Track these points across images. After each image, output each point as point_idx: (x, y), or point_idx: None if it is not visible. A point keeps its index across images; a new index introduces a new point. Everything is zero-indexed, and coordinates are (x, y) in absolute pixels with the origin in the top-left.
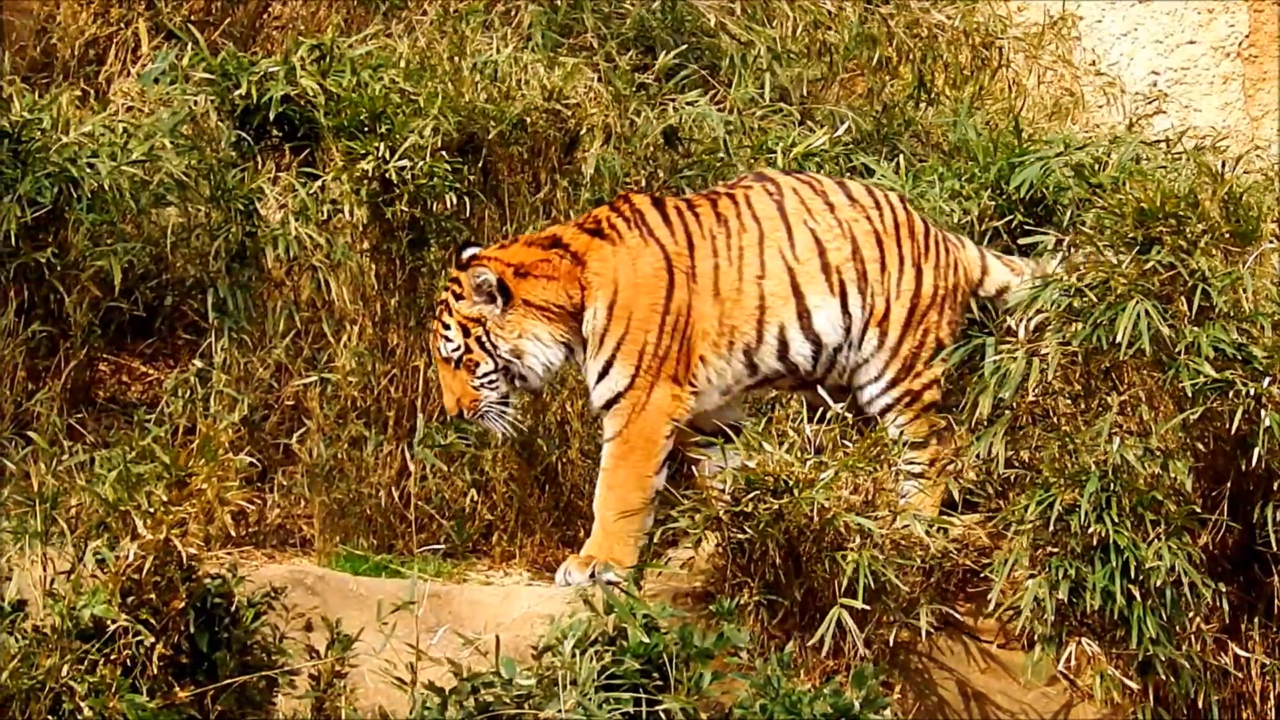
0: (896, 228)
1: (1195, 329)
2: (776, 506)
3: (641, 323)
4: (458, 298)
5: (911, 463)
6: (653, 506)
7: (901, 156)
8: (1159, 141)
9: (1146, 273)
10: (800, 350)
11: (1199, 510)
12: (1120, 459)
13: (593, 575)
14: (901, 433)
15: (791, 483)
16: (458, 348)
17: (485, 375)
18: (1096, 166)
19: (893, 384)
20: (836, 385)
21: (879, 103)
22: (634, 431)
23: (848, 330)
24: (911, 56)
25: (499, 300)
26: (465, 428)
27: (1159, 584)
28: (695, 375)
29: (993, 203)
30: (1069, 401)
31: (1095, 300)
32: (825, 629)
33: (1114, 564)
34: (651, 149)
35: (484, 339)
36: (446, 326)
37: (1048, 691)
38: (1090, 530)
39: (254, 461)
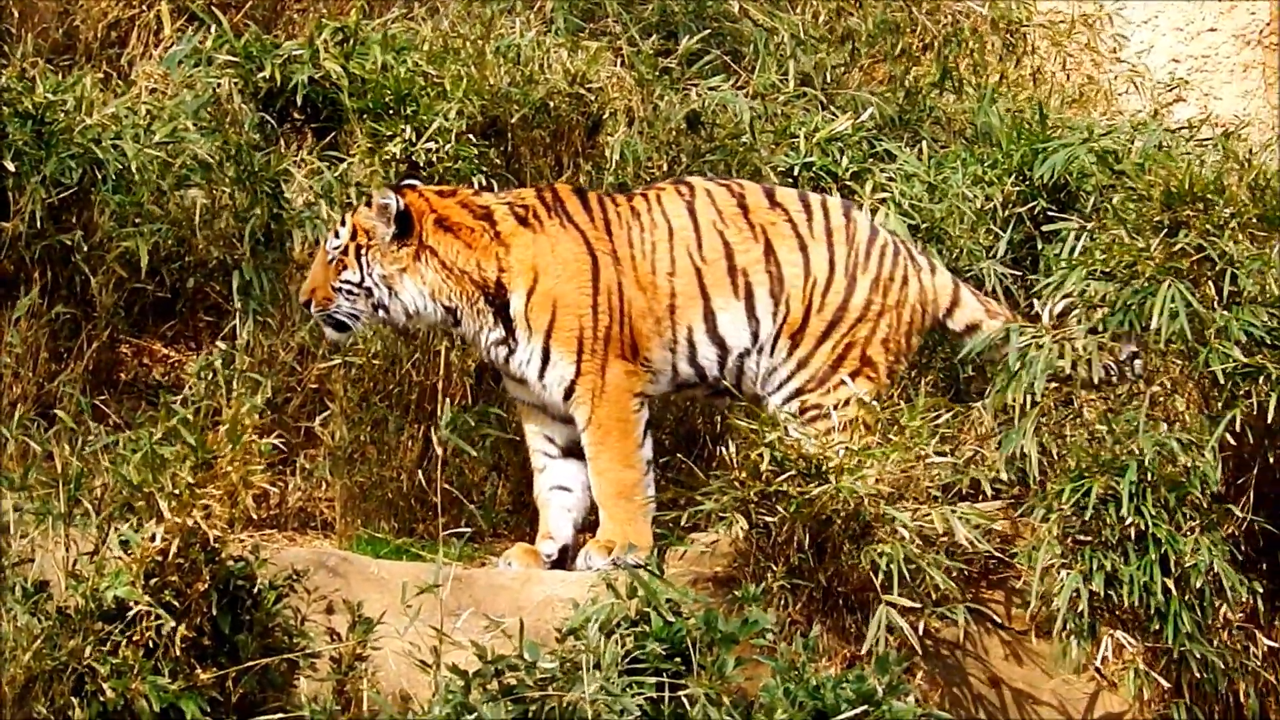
0: (828, 234)
1: (1225, 313)
2: (810, 492)
3: (570, 308)
4: (367, 205)
5: None
6: (650, 480)
7: (924, 143)
8: (1182, 129)
9: (1174, 255)
10: (706, 354)
11: (1228, 501)
12: (1156, 448)
13: (614, 559)
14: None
15: (825, 469)
16: (339, 246)
17: (347, 283)
18: (1120, 153)
19: (796, 394)
20: (754, 396)
21: (901, 89)
22: (602, 415)
23: (755, 335)
24: (934, 44)
25: (393, 229)
26: (308, 315)
27: (1199, 584)
28: (649, 354)
29: (1016, 189)
30: (1094, 388)
31: (1121, 284)
32: (876, 627)
33: (1152, 557)
34: (674, 133)
35: (363, 253)
36: (343, 224)
37: (1072, 680)
38: (1129, 522)
39: (277, 444)
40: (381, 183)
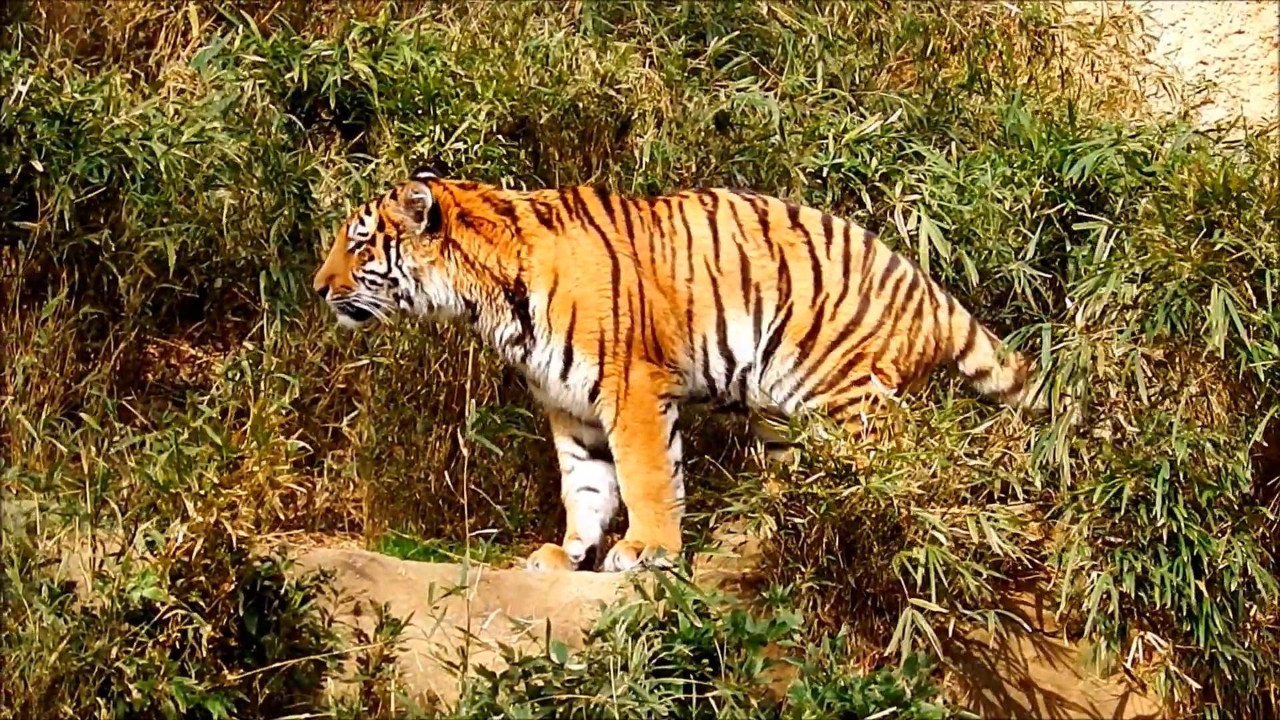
0: (845, 258)
1: (1265, 313)
2: (839, 494)
3: (591, 310)
4: (393, 197)
5: None
6: (678, 481)
7: (953, 144)
8: (1211, 130)
9: (1213, 255)
10: (716, 366)
11: (1257, 502)
12: (1188, 450)
13: (643, 561)
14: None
15: (854, 469)
16: (367, 234)
17: (372, 273)
18: (1149, 155)
19: (809, 396)
20: (756, 413)
21: (930, 90)
22: (628, 417)
23: (760, 350)
24: (963, 45)
25: (424, 224)
26: (324, 304)
27: (1233, 586)
28: (674, 356)
29: (1045, 190)
30: (1124, 389)
31: (1156, 285)
32: (902, 629)
33: (1184, 558)
34: (703, 134)
35: (392, 245)
36: (368, 213)
37: (1102, 682)
38: (1160, 524)
39: (304, 445)
40: (407, 177)
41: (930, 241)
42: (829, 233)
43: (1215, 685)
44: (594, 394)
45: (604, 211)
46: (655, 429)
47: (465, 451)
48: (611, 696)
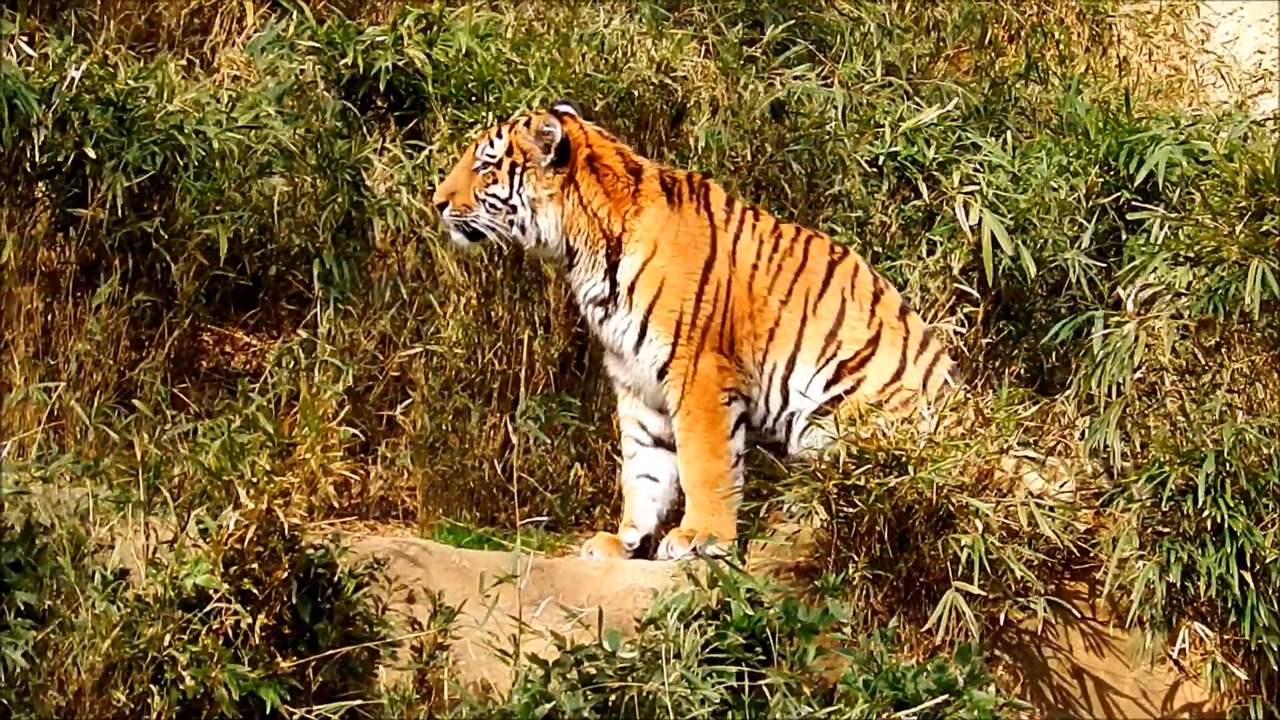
0: (927, 372)
1: None
2: (890, 483)
3: (676, 289)
4: (526, 125)
5: None
6: (738, 472)
7: (1009, 133)
8: (1267, 120)
9: (1260, 238)
10: (773, 399)
11: None
12: (1235, 438)
13: (695, 549)
14: None
15: (904, 459)
16: (495, 157)
17: (493, 195)
18: (1206, 146)
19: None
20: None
21: (987, 79)
22: (692, 403)
23: (812, 403)
24: (1020, 34)
25: (551, 157)
26: (443, 221)
27: (1278, 580)
28: (742, 356)
29: (1101, 180)
30: (1175, 377)
31: (1208, 269)
32: (942, 609)
33: (1228, 549)
34: (758, 123)
35: (517, 172)
36: (499, 136)
37: (1154, 672)
38: (1205, 514)
39: (357, 432)
40: (543, 109)
41: (993, 236)
42: (924, 345)
43: (1262, 676)
44: (662, 373)
45: (724, 206)
46: (718, 417)
47: (513, 439)
48: (664, 684)
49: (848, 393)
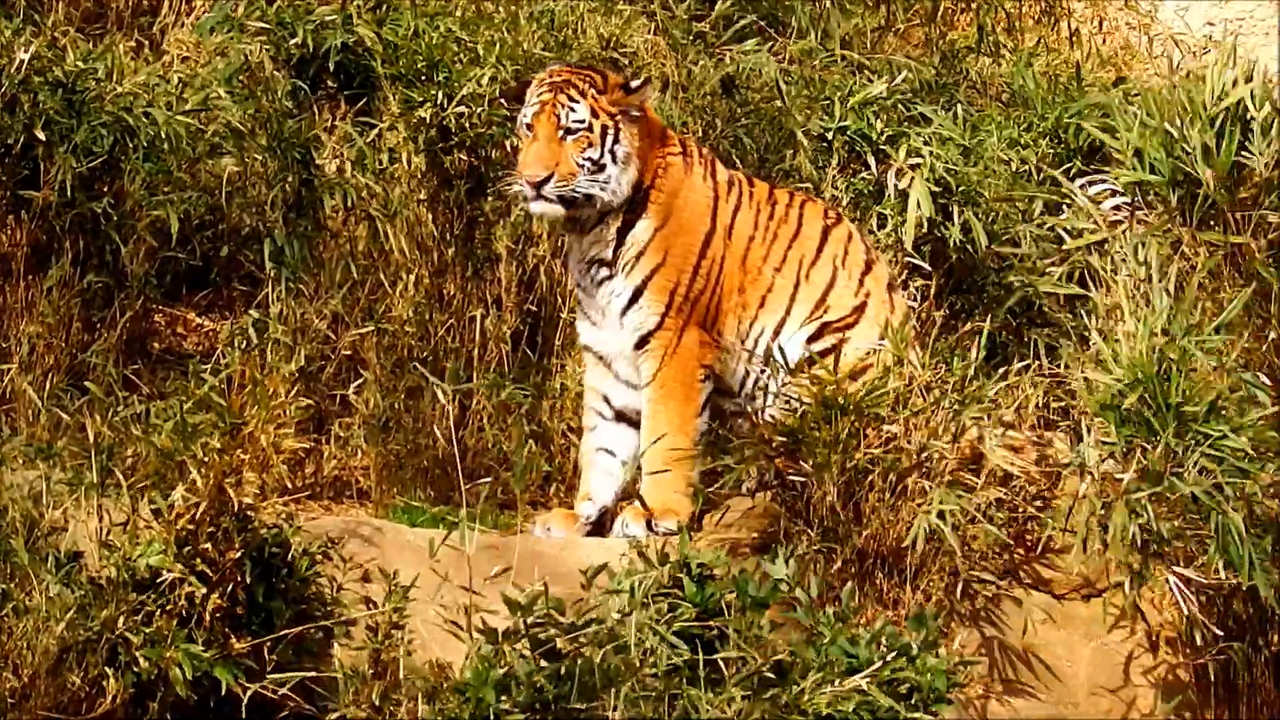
0: (904, 321)
1: None
2: (839, 433)
3: (677, 260)
4: (599, 91)
5: None
6: (699, 451)
7: (959, 106)
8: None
9: None
10: (752, 371)
11: None
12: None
13: (650, 526)
14: None
15: (848, 405)
16: (582, 121)
17: (590, 160)
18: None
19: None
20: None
21: (938, 53)
22: (668, 375)
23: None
24: (971, 6)
25: (634, 118)
26: (541, 196)
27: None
28: (722, 329)
29: (1051, 150)
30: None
31: None
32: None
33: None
34: (709, 98)
35: (609, 133)
36: (575, 101)
37: (1109, 641)
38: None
39: (310, 404)
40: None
41: (943, 208)
42: (905, 321)
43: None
44: (643, 342)
45: (725, 172)
46: (693, 394)
47: (449, 415)
48: (619, 641)
49: (824, 353)
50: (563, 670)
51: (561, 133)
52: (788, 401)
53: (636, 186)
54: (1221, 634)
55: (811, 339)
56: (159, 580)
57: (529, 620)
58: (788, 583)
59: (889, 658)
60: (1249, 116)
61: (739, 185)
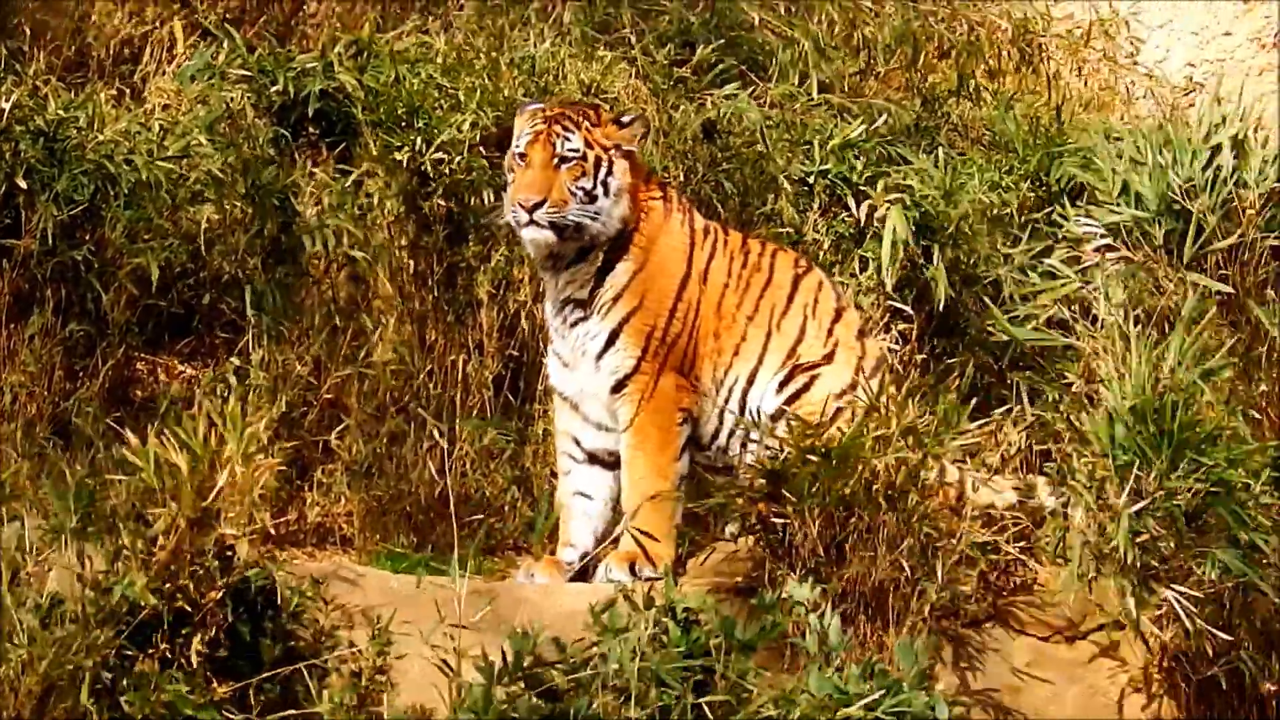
0: (876, 366)
1: None
2: (819, 470)
3: (654, 304)
4: (593, 124)
5: None
6: (680, 494)
7: (941, 149)
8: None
9: None
10: (728, 416)
11: None
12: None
13: (633, 571)
14: None
15: (829, 445)
16: (577, 150)
17: (583, 189)
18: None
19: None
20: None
21: (919, 97)
22: (646, 420)
23: (765, 411)
24: (952, 52)
25: (626, 154)
26: (533, 221)
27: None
28: (699, 375)
29: (1033, 194)
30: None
31: None
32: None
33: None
34: (690, 142)
35: (603, 165)
36: (569, 131)
37: (1095, 684)
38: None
39: (292, 445)
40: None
41: (895, 232)
42: (877, 369)
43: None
44: (620, 385)
45: (701, 220)
46: (671, 437)
47: (429, 465)
48: (611, 681)
49: (795, 395)
50: (556, 711)
51: (556, 160)
52: (767, 448)
53: (625, 221)
54: (1230, 639)
55: (783, 384)
56: (142, 622)
57: (524, 662)
58: (778, 624)
59: (879, 695)
60: (1244, 146)
61: (714, 233)
